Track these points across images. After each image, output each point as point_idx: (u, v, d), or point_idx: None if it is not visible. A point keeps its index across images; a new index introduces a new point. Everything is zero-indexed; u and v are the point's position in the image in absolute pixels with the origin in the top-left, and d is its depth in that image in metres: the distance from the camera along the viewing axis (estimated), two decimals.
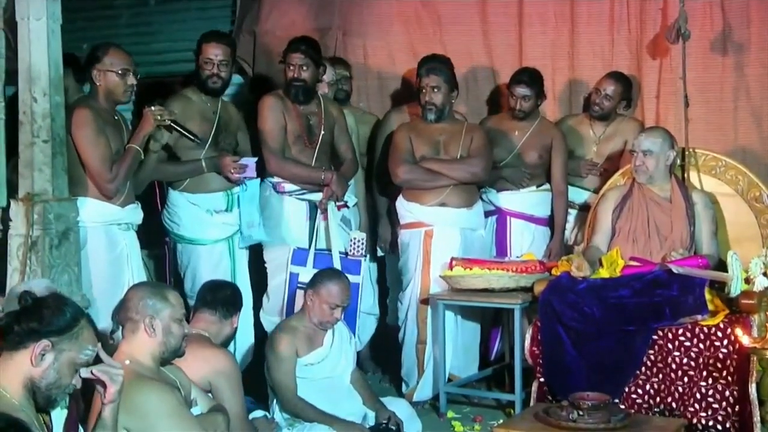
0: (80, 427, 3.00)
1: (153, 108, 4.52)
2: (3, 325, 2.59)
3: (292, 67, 5.10)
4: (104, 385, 2.68)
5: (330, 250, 5.09)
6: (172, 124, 4.59)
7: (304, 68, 5.10)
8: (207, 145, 4.98)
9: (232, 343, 4.80)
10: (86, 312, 2.76)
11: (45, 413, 2.67)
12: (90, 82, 4.52)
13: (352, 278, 4.95)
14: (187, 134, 4.73)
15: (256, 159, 5.05)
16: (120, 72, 4.45)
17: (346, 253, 5.16)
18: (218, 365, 3.72)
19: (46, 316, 2.58)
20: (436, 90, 5.20)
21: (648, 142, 4.81)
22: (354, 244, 5.16)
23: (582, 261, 4.63)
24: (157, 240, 5.09)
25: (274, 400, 4.33)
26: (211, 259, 4.99)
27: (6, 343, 2.58)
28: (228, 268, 5.00)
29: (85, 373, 2.63)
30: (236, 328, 4.13)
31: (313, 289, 4.36)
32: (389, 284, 5.77)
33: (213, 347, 3.86)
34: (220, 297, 4.04)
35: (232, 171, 4.94)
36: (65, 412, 2.91)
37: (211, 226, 5.00)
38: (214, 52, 4.99)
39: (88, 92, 4.62)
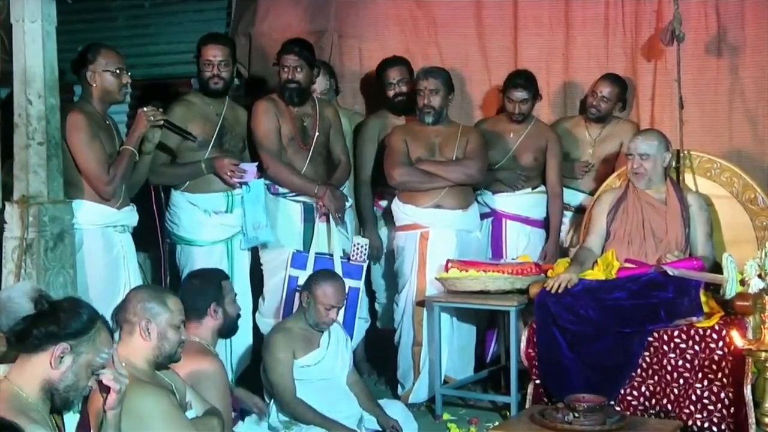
0: None
1: (146, 109, 4.52)
2: (20, 330, 2.61)
3: (286, 69, 5.11)
4: (109, 391, 2.69)
5: (331, 255, 5.08)
6: (165, 123, 4.59)
7: (298, 70, 5.10)
8: (210, 146, 4.98)
9: (228, 346, 4.79)
10: (101, 315, 2.77)
11: (58, 415, 2.68)
12: (82, 84, 4.52)
13: (353, 283, 4.97)
14: (182, 133, 4.73)
15: (256, 164, 5.04)
16: (116, 71, 4.45)
17: (348, 258, 5.16)
18: (201, 370, 3.66)
19: (63, 320, 2.61)
20: (434, 93, 5.20)
21: (644, 145, 4.79)
22: (357, 249, 5.15)
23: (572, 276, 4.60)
24: (152, 242, 5.09)
25: (271, 402, 4.33)
26: (209, 260, 4.96)
27: (24, 346, 2.60)
28: (226, 270, 4.97)
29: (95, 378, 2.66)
30: (222, 315, 3.95)
31: (308, 290, 4.37)
32: (381, 287, 5.74)
33: (198, 353, 3.79)
34: (187, 299, 3.78)
35: (228, 174, 4.93)
36: (77, 416, 2.91)
37: (208, 226, 4.99)
38: (213, 53, 5.01)
39: (80, 95, 4.62)
